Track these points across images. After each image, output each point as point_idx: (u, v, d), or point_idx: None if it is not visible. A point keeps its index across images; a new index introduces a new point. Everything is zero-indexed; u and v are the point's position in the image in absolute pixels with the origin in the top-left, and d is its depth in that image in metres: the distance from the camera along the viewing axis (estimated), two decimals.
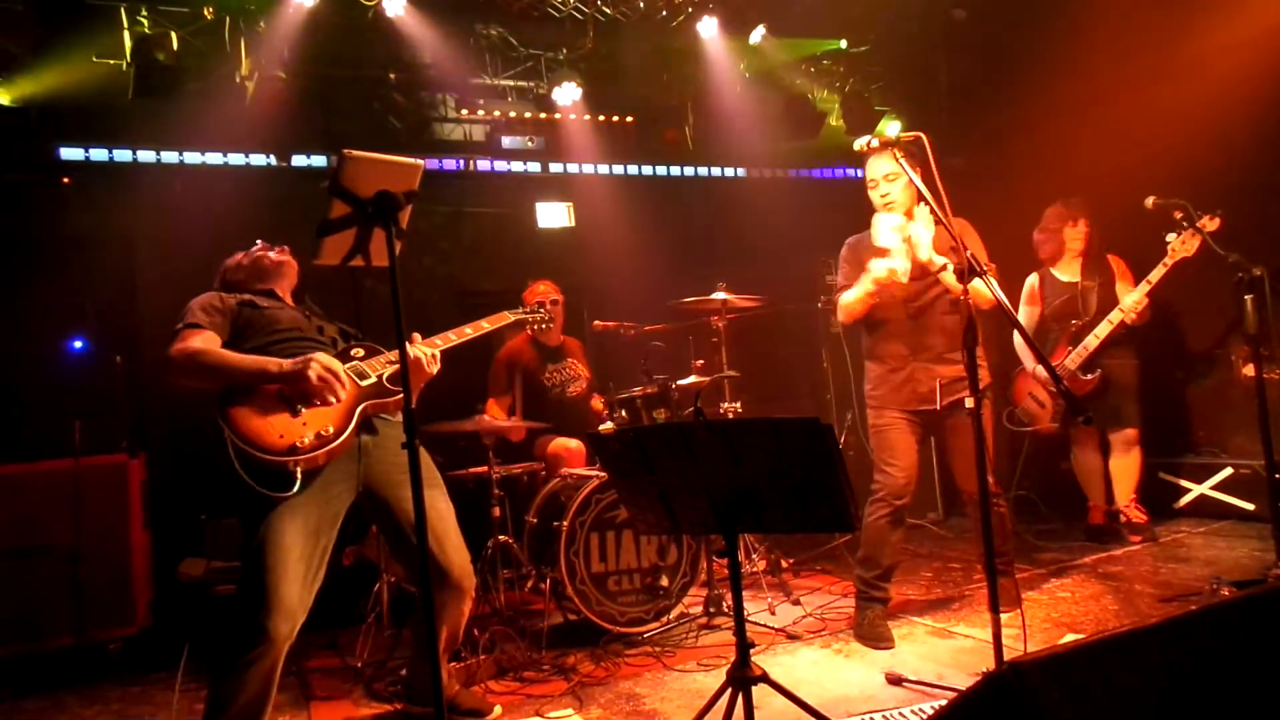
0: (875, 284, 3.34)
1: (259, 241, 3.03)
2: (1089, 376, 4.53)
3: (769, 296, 4.40)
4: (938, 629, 3.50)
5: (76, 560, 3.92)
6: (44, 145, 4.73)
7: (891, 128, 6.34)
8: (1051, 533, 4.97)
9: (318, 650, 3.83)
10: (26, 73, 4.43)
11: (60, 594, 3.91)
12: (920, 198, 3.20)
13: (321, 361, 2.51)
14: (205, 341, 2.55)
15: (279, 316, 2.75)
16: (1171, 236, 4.13)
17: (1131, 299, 4.37)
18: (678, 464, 2.19)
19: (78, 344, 4.55)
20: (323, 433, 2.49)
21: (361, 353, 2.74)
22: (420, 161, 2.09)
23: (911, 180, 3.33)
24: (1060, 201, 4.79)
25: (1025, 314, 4.85)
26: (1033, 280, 4.90)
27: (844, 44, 5.95)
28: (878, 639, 3.35)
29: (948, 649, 3.26)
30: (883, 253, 3.39)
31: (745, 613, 3.81)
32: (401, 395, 2.67)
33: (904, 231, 3.36)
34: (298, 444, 2.44)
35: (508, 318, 3.10)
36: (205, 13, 4.53)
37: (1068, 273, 4.78)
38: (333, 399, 2.52)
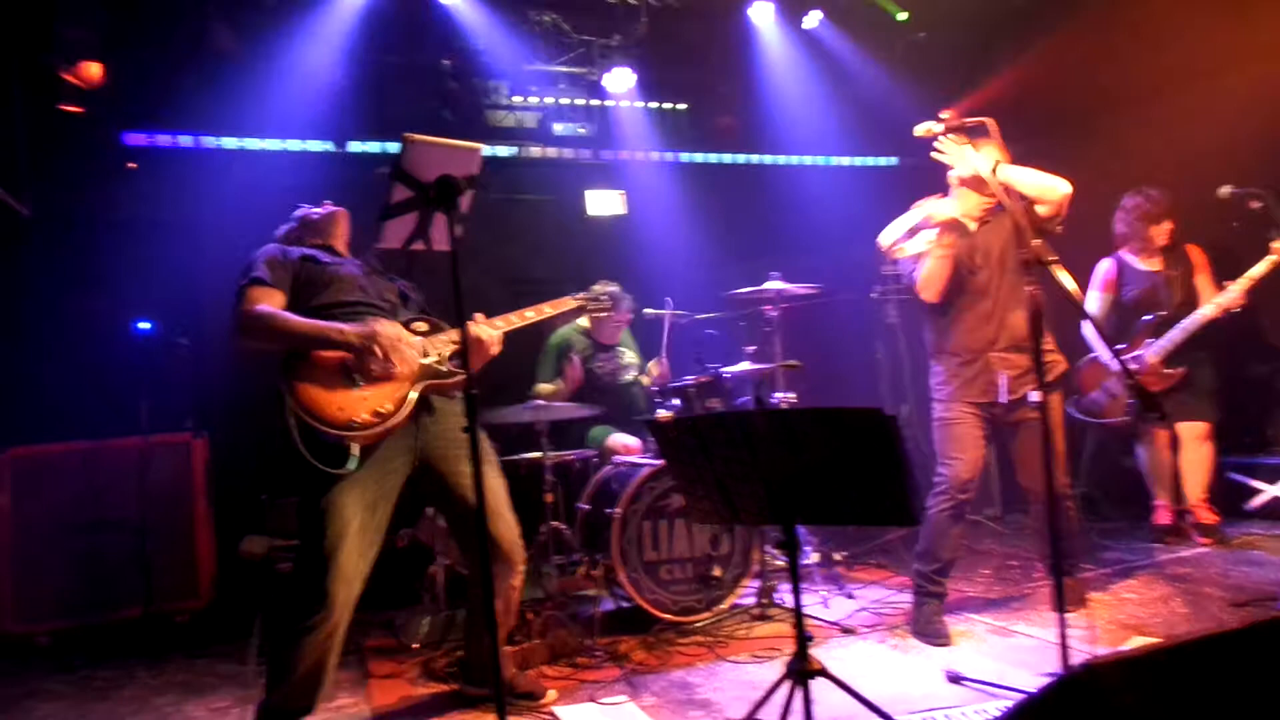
0: (939, 226, 3.24)
1: (300, 206, 3.06)
2: (1172, 371, 4.37)
3: (822, 285, 4.33)
4: (998, 627, 3.42)
5: (144, 535, 4.04)
6: (110, 131, 4.86)
7: (948, 111, 6.17)
8: (1115, 531, 4.83)
9: (374, 630, 3.89)
10: (94, 60, 4.53)
11: (129, 567, 4.03)
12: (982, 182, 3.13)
13: (384, 333, 2.52)
14: (271, 302, 2.59)
15: (340, 273, 2.76)
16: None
17: (1232, 294, 4.21)
18: (736, 453, 2.16)
19: (144, 326, 4.67)
20: (380, 410, 2.51)
21: (424, 328, 2.75)
22: (480, 145, 2.09)
23: (968, 161, 3.28)
24: (1139, 193, 4.60)
25: (1096, 300, 4.68)
26: (1107, 266, 4.72)
27: (902, 16, 5.79)
28: (935, 635, 3.29)
29: (1008, 648, 3.18)
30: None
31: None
32: (461, 377, 2.70)
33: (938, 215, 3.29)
34: (355, 420, 2.46)
35: (569, 303, 3.10)
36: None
37: (1148, 262, 4.60)
38: (394, 369, 2.53)
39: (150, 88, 4.78)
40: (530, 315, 2.91)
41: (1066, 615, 2.49)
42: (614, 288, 4.87)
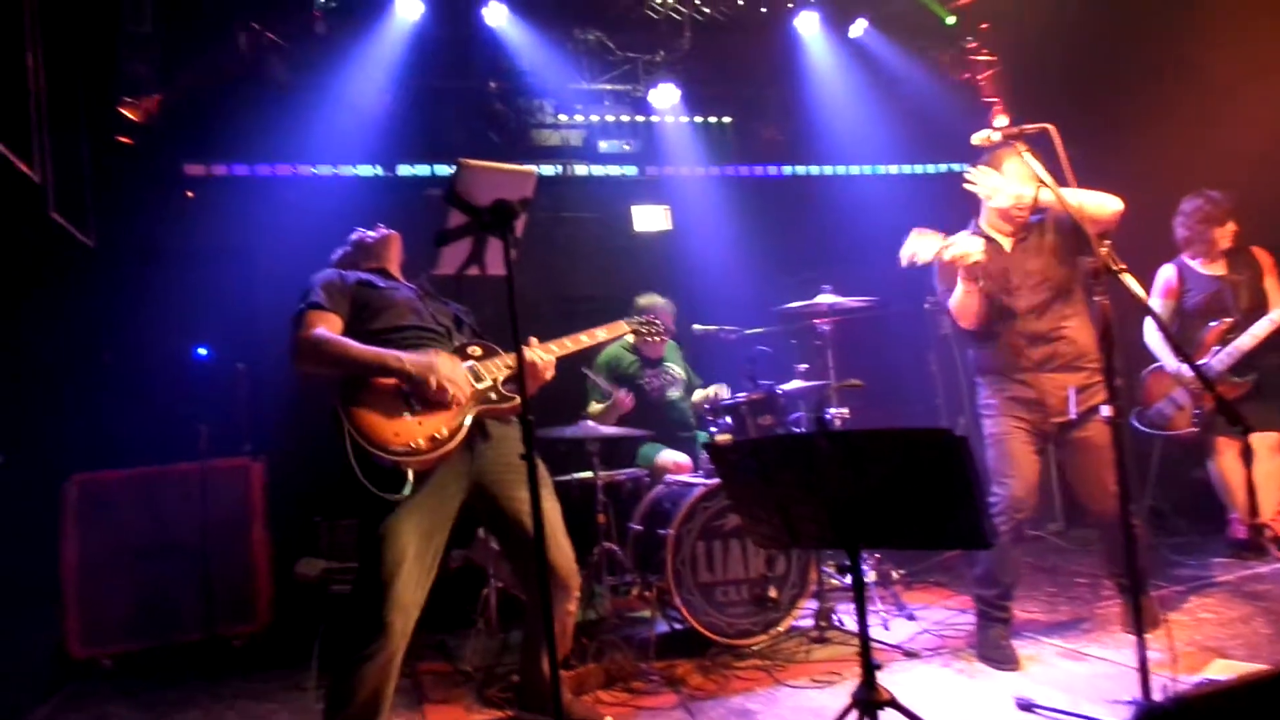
0: (958, 264, 3.15)
1: (355, 229, 3.09)
2: (1240, 380, 4.20)
3: (874, 298, 4.24)
4: (1069, 650, 3.30)
5: (205, 559, 4.10)
6: (169, 163, 4.99)
7: (999, 119, 6.05)
8: (1186, 546, 4.64)
9: (428, 652, 3.89)
10: (153, 93, 4.65)
11: (189, 591, 4.09)
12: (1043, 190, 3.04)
13: (443, 369, 2.53)
14: (328, 326, 2.61)
15: (395, 298, 2.77)
16: None
17: None
18: (797, 476, 2.11)
19: (202, 351, 4.77)
20: (437, 435, 2.51)
21: (479, 352, 2.75)
22: (534, 168, 2.08)
23: (1005, 192, 3.18)
24: (1200, 196, 4.44)
25: (1158, 308, 4.52)
26: (1168, 272, 4.56)
27: (951, 20, 5.69)
28: (1003, 660, 3.17)
29: (1081, 673, 3.06)
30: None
31: (857, 628, 3.70)
32: (515, 402, 2.69)
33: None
34: (412, 445, 2.46)
35: (623, 328, 3.08)
36: (318, 28, 4.67)
37: (1211, 266, 4.44)
38: (449, 398, 2.53)
39: (207, 119, 4.91)
40: (584, 340, 2.90)
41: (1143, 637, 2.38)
42: (657, 299, 4.88)
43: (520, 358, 1.97)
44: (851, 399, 4.28)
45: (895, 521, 2.07)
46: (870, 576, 4.19)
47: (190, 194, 5.00)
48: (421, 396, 2.53)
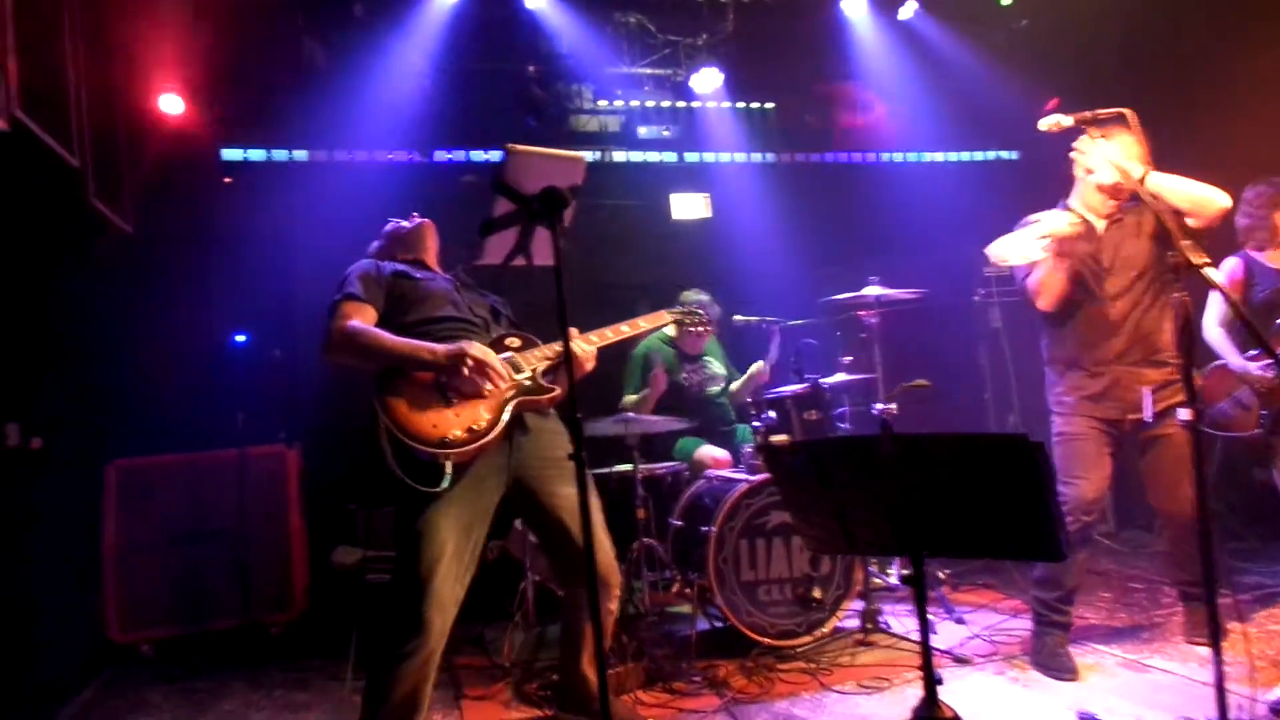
0: (1054, 240, 2.98)
1: (390, 220, 3.02)
2: None
3: (920, 289, 4.11)
4: (1129, 660, 3.16)
5: (242, 546, 4.09)
6: (207, 148, 4.96)
7: (1054, 102, 5.83)
8: (1250, 553, 4.45)
9: (464, 646, 3.84)
10: (192, 79, 4.62)
11: (226, 578, 4.08)
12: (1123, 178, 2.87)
13: (474, 353, 2.45)
14: (363, 317, 2.56)
15: (431, 289, 2.72)
16: None
17: None
18: (857, 480, 2.00)
19: (239, 338, 4.75)
20: (474, 427, 2.44)
21: (517, 343, 2.67)
22: (584, 155, 1.98)
23: (1112, 167, 3.00)
24: (1265, 182, 4.22)
25: (1221, 302, 4.31)
26: (1233, 265, 4.34)
27: (1006, 1, 5.48)
28: (1060, 669, 3.04)
29: (1144, 685, 2.92)
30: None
31: (904, 630, 3.58)
32: (555, 393, 2.61)
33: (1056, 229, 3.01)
34: (449, 437, 2.39)
35: (665, 318, 2.98)
36: (355, 11, 4.60)
37: (1278, 259, 4.23)
38: (486, 391, 2.46)
39: (245, 104, 4.87)
40: (625, 330, 2.81)
41: (1201, 646, 2.24)
42: (703, 296, 4.77)
43: (568, 351, 1.88)
44: (898, 393, 4.15)
45: (962, 529, 1.96)
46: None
47: (228, 180, 4.97)
48: (458, 387, 2.46)
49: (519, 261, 1.99)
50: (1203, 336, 4.18)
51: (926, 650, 2.03)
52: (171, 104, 4.51)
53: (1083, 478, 3.08)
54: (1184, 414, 2.35)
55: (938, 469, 1.88)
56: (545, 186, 1.81)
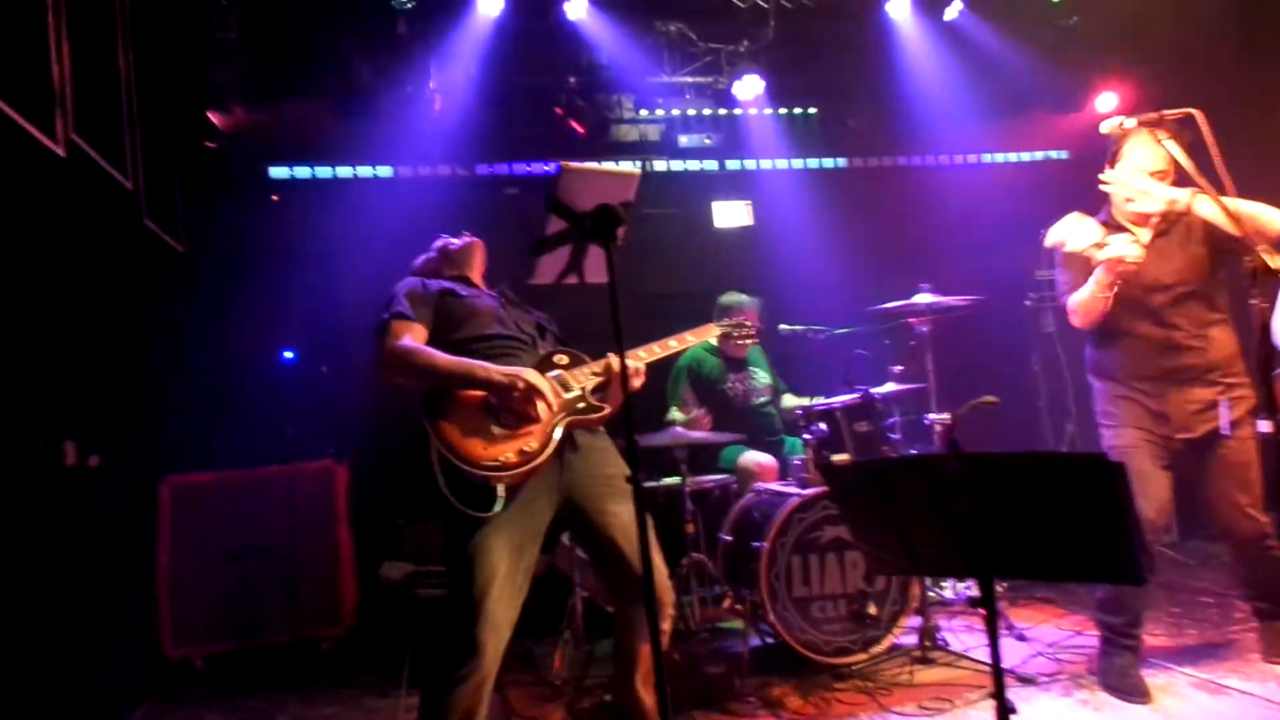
0: (1108, 270, 2.87)
1: (440, 236, 3.01)
2: None
3: (975, 295, 4.00)
4: (1203, 681, 3.02)
5: (291, 561, 4.11)
6: (255, 166, 5.04)
7: (1106, 100, 5.68)
8: None
9: (513, 661, 3.81)
10: (238, 98, 4.69)
11: (276, 593, 4.10)
12: (1187, 183, 2.76)
13: (529, 378, 2.43)
14: (414, 336, 2.55)
15: (478, 306, 2.70)
16: None
17: None
18: (921, 500, 1.93)
19: (288, 354, 4.80)
20: (526, 449, 2.41)
21: (565, 360, 2.64)
22: (637, 170, 1.94)
23: (1156, 198, 2.89)
24: None
25: None
26: None
27: None
28: (1132, 691, 2.92)
29: (1222, 710, 2.79)
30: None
31: (963, 647, 3.48)
32: (605, 411, 2.57)
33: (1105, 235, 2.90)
34: (501, 460, 2.37)
35: (713, 330, 2.93)
36: (399, 28, 4.64)
37: None
38: (535, 411, 2.44)
39: (291, 123, 4.93)
40: (673, 345, 2.77)
41: None
42: (743, 297, 4.71)
43: (624, 371, 1.84)
44: (951, 404, 4.05)
45: (1034, 550, 1.88)
46: (972, 591, 3.95)
47: (275, 197, 5.03)
48: (508, 408, 2.43)
49: (571, 280, 1.96)
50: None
51: (999, 677, 1.95)
52: (220, 123, 4.58)
53: (1141, 496, 2.92)
54: (1264, 426, 2.25)
55: (1008, 489, 1.80)
56: (599, 204, 1.77)
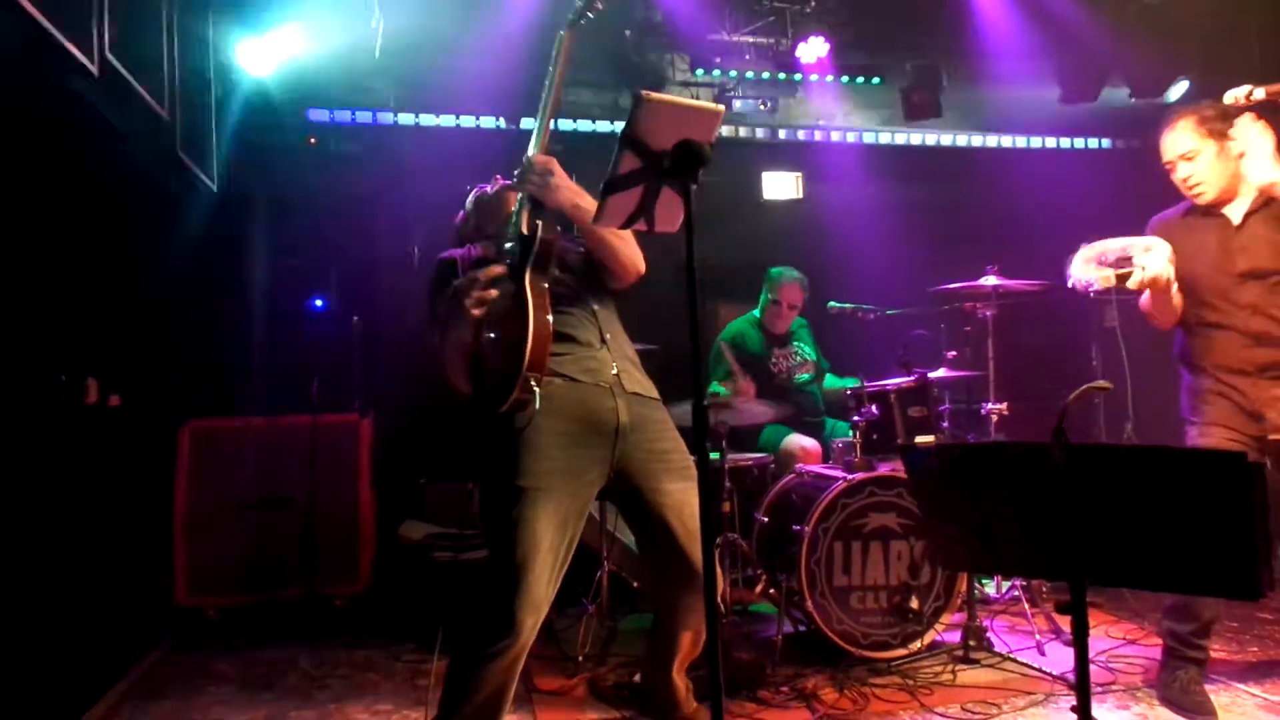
0: (1150, 290, 2.71)
1: (472, 186, 2.82)
2: None
3: (1038, 282, 3.79)
4: (1270, 703, 2.83)
5: (310, 514, 3.99)
6: (294, 108, 4.86)
7: (1179, 87, 5.39)
8: None
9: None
10: (277, 40, 4.51)
11: (293, 546, 3.98)
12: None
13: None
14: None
15: None
16: None
17: None
18: (1014, 492, 1.75)
19: (318, 302, 4.66)
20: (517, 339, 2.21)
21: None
22: (721, 108, 1.74)
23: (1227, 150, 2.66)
24: None
25: None
26: None
27: None
28: (1196, 709, 2.73)
29: None
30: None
31: (1008, 648, 3.30)
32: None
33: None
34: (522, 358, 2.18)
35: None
36: None
37: None
38: (478, 308, 2.21)
39: (331, 64, 4.74)
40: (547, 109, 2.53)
41: None
42: (788, 270, 4.51)
43: (696, 350, 1.66)
44: (1006, 395, 3.86)
45: (1136, 555, 1.69)
46: (1015, 592, 3.76)
47: (313, 140, 4.87)
48: (489, 324, 2.29)
49: (640, 226, 1.77)
50: None
51: (1084, 691, 1.76)
52: (259, 63, 4.40)
53: None
54: None
55: (1119, 485, 1.61)
56: (680, 140, 1.58)
